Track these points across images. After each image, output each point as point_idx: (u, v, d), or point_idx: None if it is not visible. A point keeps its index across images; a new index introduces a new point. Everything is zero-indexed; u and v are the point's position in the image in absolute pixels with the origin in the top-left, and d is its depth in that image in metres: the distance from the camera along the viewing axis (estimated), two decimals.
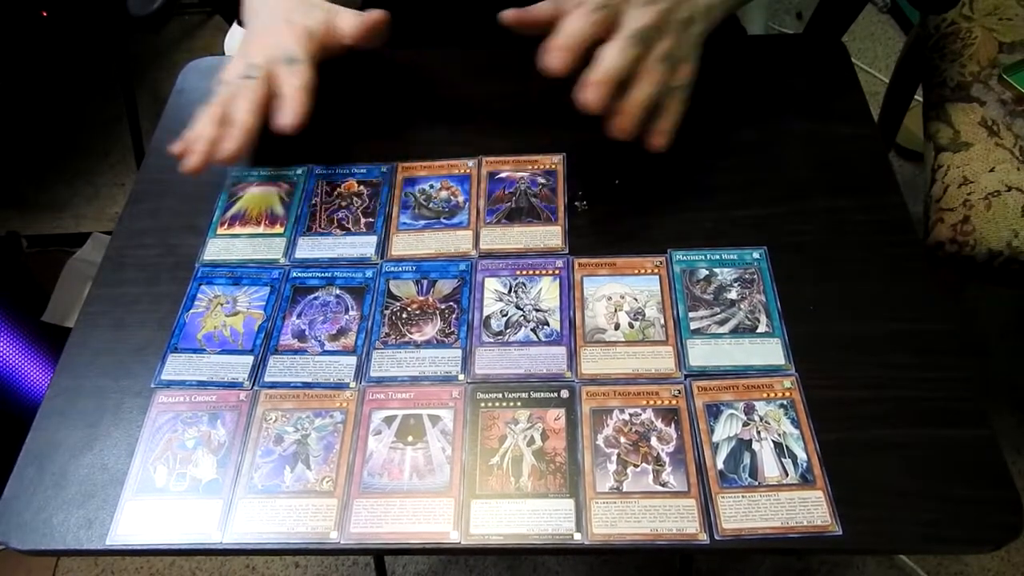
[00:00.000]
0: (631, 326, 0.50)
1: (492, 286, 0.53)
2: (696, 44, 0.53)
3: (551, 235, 0.56)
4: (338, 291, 0.54)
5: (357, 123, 0.65)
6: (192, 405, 0.49)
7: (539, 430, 0.46)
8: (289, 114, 0.54)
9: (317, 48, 0.58)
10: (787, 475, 0.44)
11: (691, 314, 0.51)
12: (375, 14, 0.59)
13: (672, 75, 0.51)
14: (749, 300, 0.51)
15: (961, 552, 0.44)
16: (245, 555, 1.12)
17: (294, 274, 0.55)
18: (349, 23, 0.59)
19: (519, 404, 0.48)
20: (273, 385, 0.49)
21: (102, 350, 0.52)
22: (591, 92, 0.49)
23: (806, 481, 0.43)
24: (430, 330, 0.51)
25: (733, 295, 0.51)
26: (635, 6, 0.50)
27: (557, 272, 0.54)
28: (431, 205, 0.58)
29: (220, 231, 0.58)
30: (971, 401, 0.46)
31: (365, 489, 0.45)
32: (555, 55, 0.50)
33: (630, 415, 0.47)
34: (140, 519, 0.44)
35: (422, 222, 0.57)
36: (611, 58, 0.49)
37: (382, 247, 0.56)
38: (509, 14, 0.54)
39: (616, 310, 0.51)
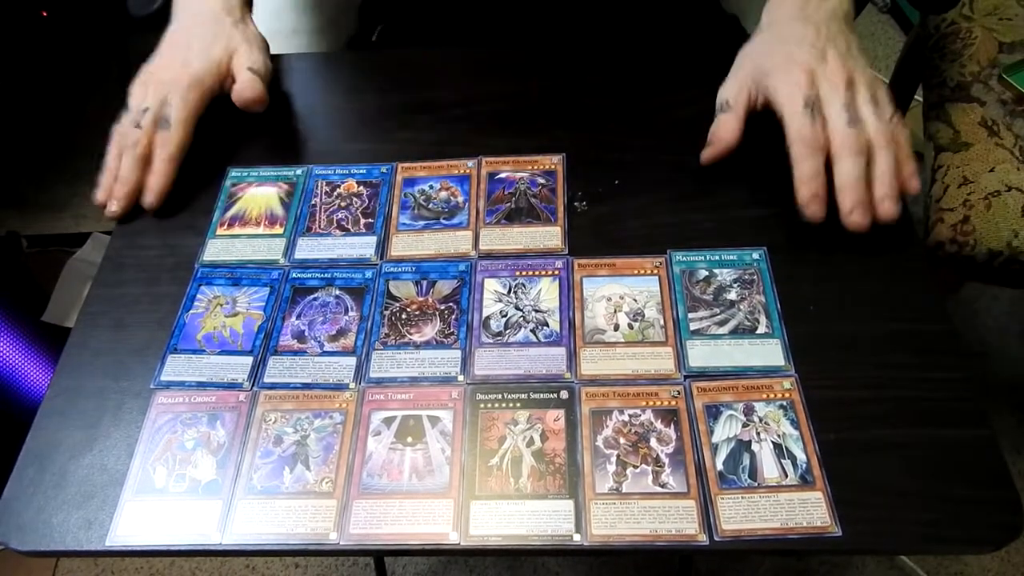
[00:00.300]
0: (630, 327, 0.50)
1: (491, 287, 0.53)
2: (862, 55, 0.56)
3: (551, 236, 0.56)
4: (338, 292, 0.54)
5: (356, 123, 0.65)
6: (192, 406, 0.49)
7: (538, 431, 0.46)
8: (150, 195, 0.59)
9: (201, 99, 0.60)
10: (787, 476, 0.44)
11: (691, 315, 0.51)
12: (256, 93, 0.61)
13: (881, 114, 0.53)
14: (749, 301, 0.51)
15: (961, 552, 0.44)
16: (245, 556, 1.12)
17: (294, 275, 0.55)
18: (240, 80, 0.61)
19: (518, 405, 0.47)
20: (273, 386, 0.49)
21: (102, 350, 0.52)
22: (866, 216, 0.51)
23: (805, 482, 0.43)
24: (429, 331, 0.51)
25: (733, 296, 0.51)
26: (828, 80, 0.53)
27: (556, 273, 0.54)
28: (431, 206, 0.58)
29: (220, 231, 0.58)
30: (971, 401, 0.46)
31: (364, 490, 0.45)
32: (814, 208, 0.51)
33: (629, 416, 0.47)
34: (140, 520, 0.44)
35: (422, 223, 0.57)
36: (848, 174, 0.51)
37: (381, 248, 0.56)
38: (707, 156, 0.57)
39: (615, 311, 0.51)
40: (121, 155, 0.59)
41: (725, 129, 0.56)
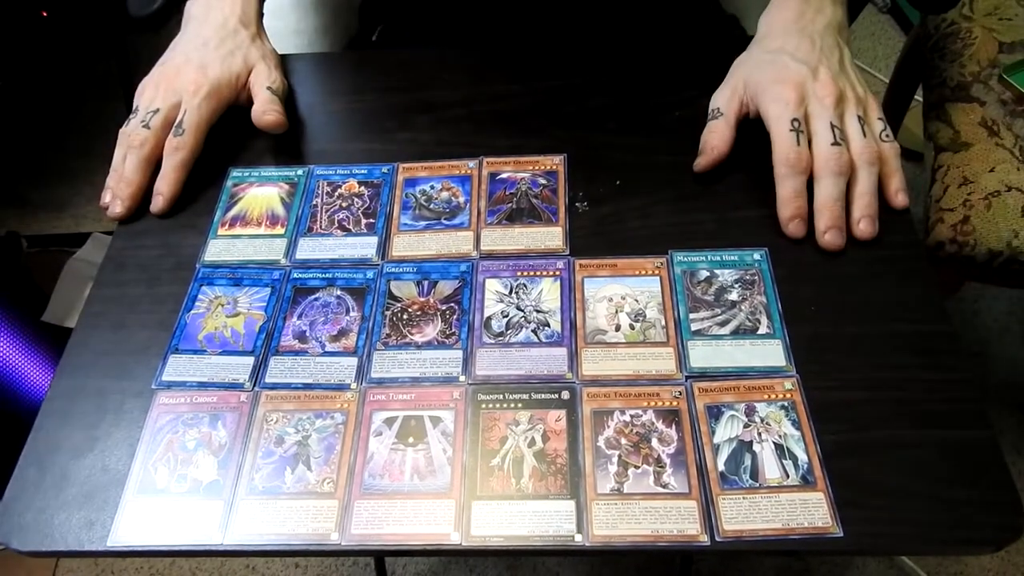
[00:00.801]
0: (632, 327, 0.50)
1: (493, 287, 0.53)
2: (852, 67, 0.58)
3: (552, 236, 0.56)
4: (339, 292, 0.54)
5: (357, 123, 0.65)
6: (193, 406, 0.49)
7: (540, 431, 0.46)
8: (160, 200, 0.58)
9: (217, 108, 0.61)
10: (788, 476, 0.44)
11: (692, 315, 0.51)
12: (277, 117, 0.60)
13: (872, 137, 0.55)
14: (750, 301, 0.51)
15: (961, 553, 0.44)
16: (246, 556, 1.12)
17: (295, 275, 0.55)
18: (259, 100, 0.61)
19: (520, 405, 0.48)
20: (274, 386, 0.49)
21: (103, 351, 0.52)
22: (838, 237, 0.52)
23: (807, 482, 0.43)
24: (431, 331, 0.51)
25: (734, 296, 0.51)
26: (817, 98, 0.54)
27: (558, 273, 0.54)
28: (432, 206, 0.58)
29: (221, 232, 0.58)
30: (971, 402, 0.46)
31: (366, 490, 0.45)
32: (794, 227, 0.53)
33: (631, 416, 0.47)
34: (141, 520, 0.44)
35: (423, 223, 0.57)
36: (826, 196, 0.52)
37: (383, 248, 0.56)
38: (701, 164, 0.58)
39: (617, 311, 0.51)
40: (126, 156, 0.59)
41: (717, 137, 0.57)
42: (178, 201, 0.60)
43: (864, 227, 0.52)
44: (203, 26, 0.63)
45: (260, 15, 0.67)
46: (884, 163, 0.54)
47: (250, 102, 0.62)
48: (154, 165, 0.59)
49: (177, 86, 0.60)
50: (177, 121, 0.59)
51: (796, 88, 0.54)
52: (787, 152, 0.53)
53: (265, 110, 0.60)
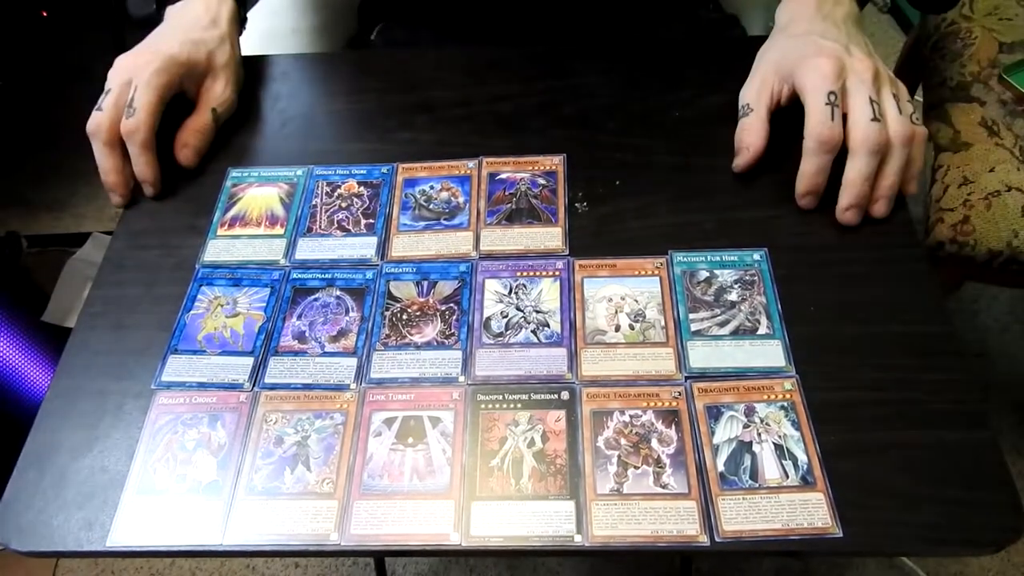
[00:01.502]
0: (631, 327, 0.50)
1: (492, 287, 0.53)
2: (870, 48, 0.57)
3: (551, 236, 0.55)
4: (338, 292, 0.54)
5: (356, 123, 0.65)
6: (192, 407, 0.49)
7: (539, 432, 0.46)
8: (146, 188, 0.60)
9: (168, 85, 0.59)
10: (787, 477, 0.44)
11: (691, 316, 0.51)
12: (189, 160, 0.61)
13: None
14: (749, 302, 0.51)
15: (961, 554, 0.44)
16: (245, 556, 1.12)
17: (294, 275, 0.55)
18: (195, 118, 0.61)
19: (519, 406, 0.47)
20: (273, 386, 0.49)
21: (102, 351, 0.52)
22: (858, 216, 0.53)
23: (806, 483, 0.43)
24: (430, 331, 0.51)
25: (733, 296, 0.51)
26: (855, 71, 0.53)
27: (557, 273, 0.54)
28: (431, 206, 0.58)
29: (220, 232, 0.58)
30: (971, 402, 0.46)
31: (365, 491, 0.45)
32: (808, 201, 0.55)
33: (630, 417, 0.47)
34: (140, 520, 0.44)
35: (422, 223, 0.57)
36: (858, 172, 0.52)
37: (382, 248, 0.56)
38: (740, 164, 0.57)
39: (616, 311, 0.51)
40: (94, 147, 0.58)
41: (752, 134, 0.56)
42: (177, 201, 0.60)
43: (881, 207, 0.52)
44: (174, 20, 0.63)
45: (236, 19, 0.66)
46: (912, 147, 0.53)
47: (197, 96, 0.61)
48: (119, 146, 0.58)
49: (129, 64, 0.59)
50: (128, 100, 0.57)
51: (835, 60, 0.53)
52: (820, 128, 0.52)
53: (185, 143, 0.60)
